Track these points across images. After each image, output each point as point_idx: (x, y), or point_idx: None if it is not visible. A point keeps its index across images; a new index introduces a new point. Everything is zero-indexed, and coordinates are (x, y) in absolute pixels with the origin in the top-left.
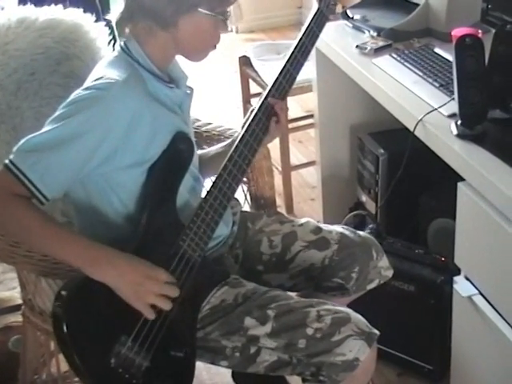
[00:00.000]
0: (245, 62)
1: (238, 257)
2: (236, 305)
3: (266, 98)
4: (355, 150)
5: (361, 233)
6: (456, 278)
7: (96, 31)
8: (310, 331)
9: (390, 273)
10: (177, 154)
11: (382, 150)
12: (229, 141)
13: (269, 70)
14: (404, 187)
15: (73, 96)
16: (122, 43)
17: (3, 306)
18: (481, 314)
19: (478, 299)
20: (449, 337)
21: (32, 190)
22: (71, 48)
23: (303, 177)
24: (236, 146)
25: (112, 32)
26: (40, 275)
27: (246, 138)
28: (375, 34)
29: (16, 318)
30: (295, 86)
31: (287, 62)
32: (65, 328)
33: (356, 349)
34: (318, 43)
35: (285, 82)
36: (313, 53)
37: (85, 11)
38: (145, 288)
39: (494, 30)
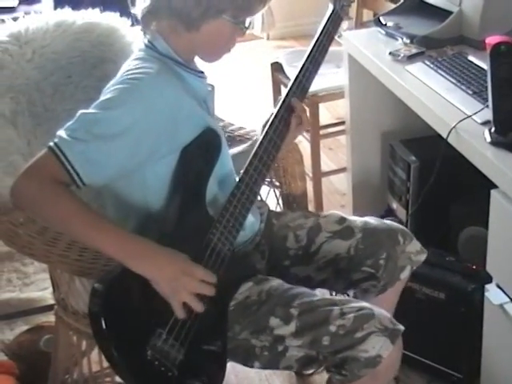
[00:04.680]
0: (277, 68)
1: (265, 253)
2: (260, 302)
3: (287, 95)
4: (386, 157)
5: (387, 221)
6: (487, 286)
7: (132, 35)
8: (333, 328)
9: (422, 257)
10: (205, 145)
11: (413, 158)
12: (250, 142)
13: None
14: (435, 195)
15: (111, 92)
16: (146, 40)
17: (35, 306)
18: None
19: (510, 307)
20: (479, 345)
21: (74, 178)
22: (107, 52)
23: (333, 183)
24: (260, 143)
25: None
26: (75, 275)
27: (270, 135)
28: (408, 41)
29: (47, 318)
30: (326, 93)
31: (306, 60)
32: (103, 324)
33: (378, 346)
34: (351, 49)
35: (304, 80)
36: (345, 59)
37: (121, 15)
38: (180, 283)
39: None
